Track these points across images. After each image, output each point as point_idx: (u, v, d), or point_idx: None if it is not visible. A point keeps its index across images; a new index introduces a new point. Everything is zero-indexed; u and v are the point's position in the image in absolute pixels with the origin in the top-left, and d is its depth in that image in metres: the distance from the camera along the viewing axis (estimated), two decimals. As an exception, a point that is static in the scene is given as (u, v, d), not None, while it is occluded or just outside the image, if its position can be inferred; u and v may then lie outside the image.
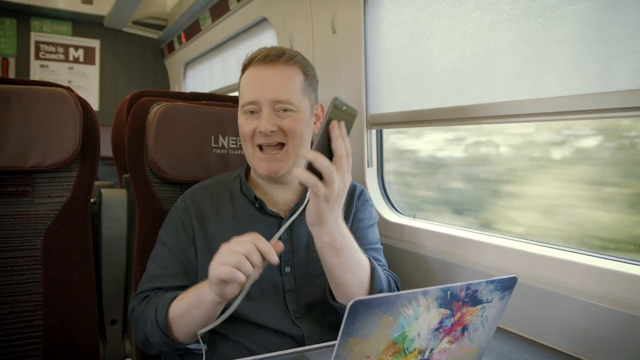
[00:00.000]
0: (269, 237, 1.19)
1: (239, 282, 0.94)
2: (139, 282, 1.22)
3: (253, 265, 0.93)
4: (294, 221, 1.23)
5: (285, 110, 1.17)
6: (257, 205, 1.24)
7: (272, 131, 1.15)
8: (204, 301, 1.00)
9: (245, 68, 1.22)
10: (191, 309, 1.03)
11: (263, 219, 1.23)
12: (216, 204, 1.25)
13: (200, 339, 1.04)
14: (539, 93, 1.18)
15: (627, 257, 1.06)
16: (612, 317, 0.98)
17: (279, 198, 1.26)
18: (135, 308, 1.17)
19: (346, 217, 1.29)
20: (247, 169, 1.31)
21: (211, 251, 1.17)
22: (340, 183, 0.95)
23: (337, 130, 0.94)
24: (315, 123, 1.27)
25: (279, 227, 1.21)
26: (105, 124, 1.94)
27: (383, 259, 1.31)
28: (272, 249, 0.95)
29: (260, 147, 1.18)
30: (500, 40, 1.28)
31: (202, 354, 1.05)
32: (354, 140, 1.79)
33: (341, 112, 0.95)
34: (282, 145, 1.18)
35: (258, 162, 1.19)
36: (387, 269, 1.30)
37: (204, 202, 1.25)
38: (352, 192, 1.34)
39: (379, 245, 1.34)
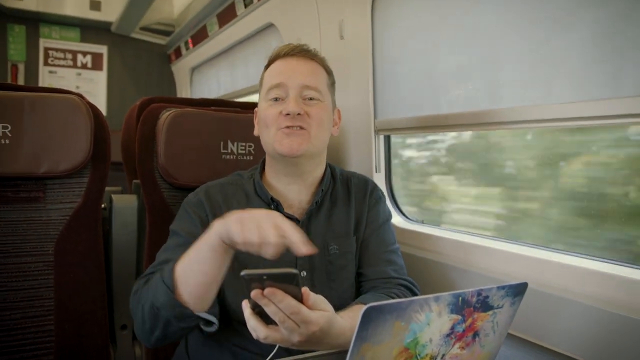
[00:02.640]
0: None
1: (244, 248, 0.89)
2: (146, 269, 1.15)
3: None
4: (310, 223, 1.23)
5: (311, 98, 1.18)
6: (273, 207, 1.22)
7: (299, 114, 1.15)
8: (202, 251, 0.95)
9: (270, 63, 1.24)
10: (192, 262, 0.98)
11: None
12: (230, 203, 1.22)
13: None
14: (548, 99, 1.18)
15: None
16: (624, 324, 0.98)
17: (294, 199, 1.25)
18: (137, 291, 1.08)
19: (359, 218, 1.29)
20: (261, 170, 1.29)
21: None
22: (294, 335, 0.85)
23: (264, 300, 0.81)
24: (333, 127, 1.28)
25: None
26: (113, 130, 1.96)
27: (400, 260, 1.30)
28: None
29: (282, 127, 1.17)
30: (510, 46, 1.28)
31: (213, 329, 1.02)
32: (363, 146, 1.80)
33: (259, 280, 0.81)
34: (303, 129, 1.17)
35: (281, 139, 1.16)
36: (405, 272, 1.29)
37: (218, 200, 1.22)
38: (364, 188, 1.33)
39: (396, 246, 1.31)
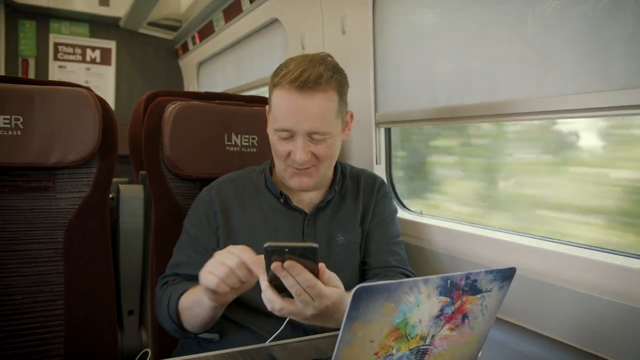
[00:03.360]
0: (292, 232, 1.24)
1: (223, 293, 0.95)
2: (166, 267, 1.26)
3: (240, 280, 0.93)
4: (317, 216, 1.28)
5: (319, 139, 1.16)
6: (282, 200, 1.26)
7: (307, 160, 1.16)
8: (201, 302, 1.03)
9: (277, 84, 1.16)
10: (194, 306, 1.07)
11: (288, 213, 1.26)
12: (242, 197, 1.27)
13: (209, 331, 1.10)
14: (542, 92, 1.21)
15: (625, 251, 1.09)
16: (610, 308, 1.01)
17: (304, 196, 1.29)
18: (157, 291, 1.23)
19: (365, 211, 1.33)
20: (272, 165, 1.33)
21: (235, 243, 1.21)
22: (309, 309, 0.89)
23: (283, 272, 0.85)
24: (344, 131, 1.26)
25: (303, 223, 1.26)
26: (121, 123, 2.00)
27: (403, 252, 1.34)
28: (258, 264, 0.91)
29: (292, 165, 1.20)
30: (504, 40, 1.31)
31: (215, 340, 1.10)
32: (363, 139, 1.83)
33: (279, 253, 0.84)
34: (313, 166, 1.19)
35: (290, 178, 1.21)
36: (407, 263, 1.33)
37: (229, 195, 1.27)
38: (372, 184, 1.37)
39: (400, 239, 1.36)
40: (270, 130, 1.22)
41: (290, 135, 1.16)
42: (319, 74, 1.12)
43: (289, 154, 1.18)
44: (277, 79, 1.16)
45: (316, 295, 0.87)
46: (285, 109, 1.14)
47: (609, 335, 1.01)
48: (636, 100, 1.00)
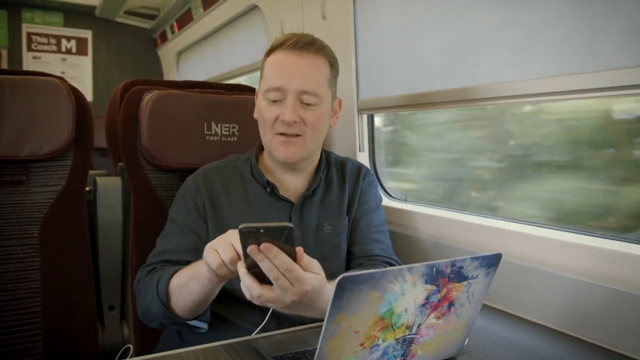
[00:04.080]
0: (280, 221, 1.22)
1: (222, 275, 0.93)
2: (148, 257, 1.21)
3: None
4: (303, 205, 1.26)
5: (309, 102, 1.17)
6: (269, 189, 1.25)
7: (295, 122, 1.16)
8: (200, 275, 0.99)
9: (271, 51, 1.21)
10: (190, 281, 1.03)
11: (275, 203, 1.25)
12: (227, 186, 1.25)
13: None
14: (527, 74, 1.20)
15: (610, 234, 1.09)
16: (596, 292, 1.01)
17: (289, 184, 1.28)
18: (141, 279, 1.17)
19: (351, 199, 1.32)
20: (257, 153, 1.32)
21: (222, 232, 1.19)
22: (288, 295, 0.86)
23: (259, 255, 0.83)
24: (332, 117, 1.28)
25: (290, 212, 1.24)
26: (99, 115, 1.95)
27: (388, 241, 1.33)
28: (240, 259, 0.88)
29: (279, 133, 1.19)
30: (490, 23, 1.29)
31: (202, 330, 1.07)
32: (346, 126, 1.81)
33: (255, 235, 0.82)
34: (299, 136, 1.19)
35: (276, 146, 1.19)
36: (392, 251, 1.32)
37: (215, 183, 1.25)
38: (357, 172, 1.36)
39: (385, 227, 1.35)
40: (259, 97, 1.23)
41: (281, 97, 1.17)
42: (312, 39, 1.19)
43: (276, 119, 1.18)
44: (271, 47, 1.21)
45: (294, 279, 0.85)
46: (277, 68, 1.18)
47: (595, 319, 1.01)
48: (624, 80, 0.99)
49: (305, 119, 1.17)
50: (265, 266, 0.83)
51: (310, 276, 0.87)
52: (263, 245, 0.81)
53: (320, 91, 1.18)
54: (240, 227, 0.80)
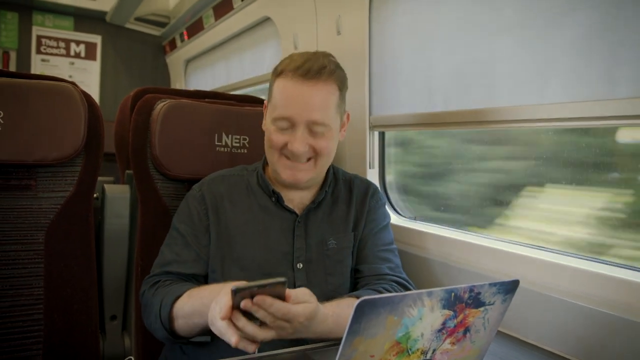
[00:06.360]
0: (283, 233, 1.23)
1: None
2: (152, 266, 1.22)
3: None
4: (308, 218, 1.26)
5: (318, 131, 1.17)
6: (274, 199, 1.24)
7: (304, 151, 1.16)
8: (204, 314, 0.99)
9: (281, 72, 1.18)
10: (194, 316, 1.03)
11: (279, 213, 1.24)
12: (232, 194, 1.25)
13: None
14: (542, 99, 1.19)
15: (628, 265, 1.07)
16: (613, 323, 0.99)
17: (294, 196, 1.27)
18: (145, 292, 1.17)
19: (358, 216, 1.31)
20: (265, 163, 1.31)
21: (225, 240, 1.19)
22: (285, 331, 0.92)
23: (254, 307, 0.86)
24: (340, 131, 1.27)
25: (294, 223, 1.24)
26: (106, 120, 1.94)
27: (397, 260, 1.32)
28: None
29: (287, 156, 1.19)
30: (505, 45, 1.29)
31: (205, 341, 1.06)
32: (357, 142, 1.80)
33: (245, 291, 0.86)
34: (309, 159, 1.19)
35: (283, 169, 1.20)
36: (401, 270, 1.31)
37: (220, 191, 1.25)
38: (365, 189, 1.35)
39: (393, 246, 1.34)
40: (267, 121, 1.22)
41: (290, 126, 1.16)
42: (322, 65, 1.16)
43: (285, 145, 1.17)
44: (280, 68, 1.19)
45: (290, 318, 0.90)
46: (287, 97, 1.16)
47: (610, 350, 0.99)
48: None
49: (314, 145, 1.17)
50: (261, 315, 0.88)
51: (302, 308, 0.92)
52: (257, 299, 0.85)
53: (329, 120, 1.18)
54: (232, 288, 0.84)
